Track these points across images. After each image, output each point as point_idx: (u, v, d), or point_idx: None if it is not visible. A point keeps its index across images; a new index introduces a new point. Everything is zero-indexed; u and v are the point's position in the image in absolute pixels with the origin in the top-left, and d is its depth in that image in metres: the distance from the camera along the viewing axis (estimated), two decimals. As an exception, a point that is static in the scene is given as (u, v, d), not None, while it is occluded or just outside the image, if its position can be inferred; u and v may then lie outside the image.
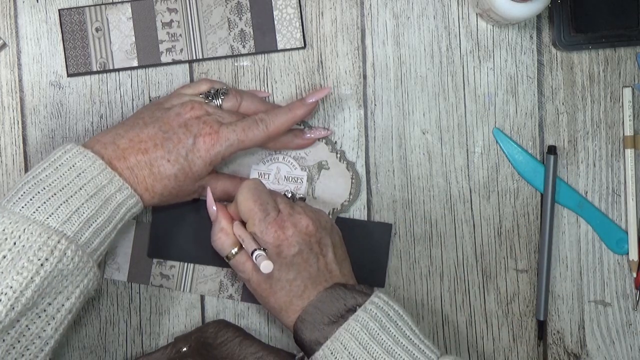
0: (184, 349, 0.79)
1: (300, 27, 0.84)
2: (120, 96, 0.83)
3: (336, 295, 0.74)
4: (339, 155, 0.84)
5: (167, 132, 0.74)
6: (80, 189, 0.69)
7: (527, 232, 0.85)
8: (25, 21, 0.83)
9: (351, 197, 0.84)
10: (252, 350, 0.79)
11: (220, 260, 0.82)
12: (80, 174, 0.70)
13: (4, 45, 0.83)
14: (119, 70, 0.83)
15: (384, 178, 0.85)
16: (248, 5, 0.83)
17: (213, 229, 0.77)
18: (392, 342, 0.71)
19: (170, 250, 0.83)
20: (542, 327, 0.85)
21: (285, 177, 0.84)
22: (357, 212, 0.84)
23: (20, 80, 0.83)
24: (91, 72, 0.83)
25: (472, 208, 0.85)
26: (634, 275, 0.85)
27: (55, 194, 0.68)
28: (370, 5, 0.84)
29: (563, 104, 0.85)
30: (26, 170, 0.83)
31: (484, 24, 0.84)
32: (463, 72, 0.85)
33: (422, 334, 0.73)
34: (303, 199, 0.82)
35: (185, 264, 0.83)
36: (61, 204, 0.68)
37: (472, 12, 0.84)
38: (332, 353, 0.71)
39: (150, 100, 0.84)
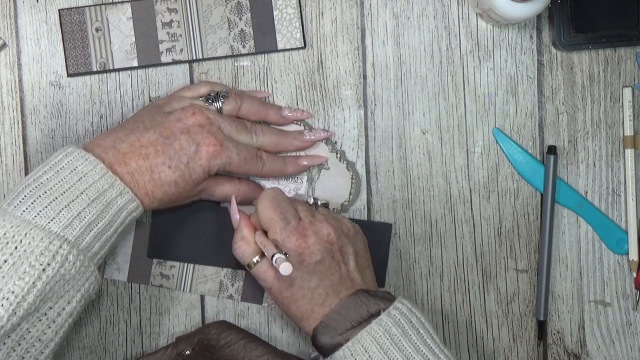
0: (187, 351, 0.79)
1: (300, 27, 0.83)
2: (120, 96, 0.83)
3: (359, 302, 0.73)
4: (339, 155, 0.83)
5: (168, 137, 0.73)
6: (82, 193, 0.69)
7: (527, 232, 0.85)
8: (25, 21, 0.83)
9: (351, 197, 0.84)
10: (257, 353, 0.78)
11: (220, 261, 0.82)
12: (81, 178, 0.69)
13: (4, 45, 0.82)
14: (119, 70, 0.83)
15: (384, 178, 0.85)
16: (248, 5, 0.83)
17: (234, 237, 0.77)
18: (413, 349, 0.71)
19: (170, 250, 0.83)
20: (542, 327, 0.85)
21: (285, 177, 0.83)
22: (357, 212, 0.84)
23: (20, 80, 0.83)
24: (91, 72, 0.83)
25: (472, 208, 0.85)
26: (634, 275, 0.85)
27: (56, 198, 0.68)
28: (370, 5, 0.84)
29: (563, 104, 0.85)
30: (26, 170, 0.83)
31: (484, 24, 0.84)
32: (463, 72, 0.84)
33: (442, 343, 0.73)
34: (326, 205, 0.82)
35: (185, 264, 0.83)
36: (62, 209, 0.67)
37: (472, 12, 0.84)
38: (352, 354, 0.71)
39: (150, 100, 0.83)
